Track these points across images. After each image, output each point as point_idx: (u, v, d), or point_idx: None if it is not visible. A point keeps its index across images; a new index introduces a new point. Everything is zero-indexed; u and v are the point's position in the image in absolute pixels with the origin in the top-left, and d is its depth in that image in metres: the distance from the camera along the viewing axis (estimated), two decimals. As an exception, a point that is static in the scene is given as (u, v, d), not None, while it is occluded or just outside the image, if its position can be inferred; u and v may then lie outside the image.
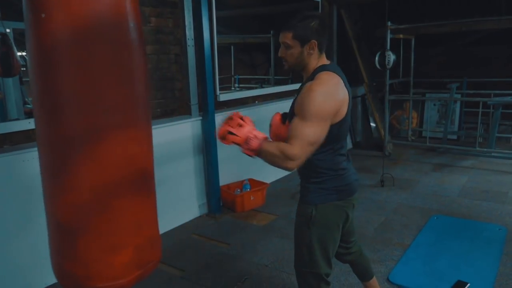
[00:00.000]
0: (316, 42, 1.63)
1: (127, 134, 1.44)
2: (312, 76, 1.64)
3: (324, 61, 1.71)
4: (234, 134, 1.56)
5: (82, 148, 1.38)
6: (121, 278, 1.49)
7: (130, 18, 1.40)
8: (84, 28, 1.30)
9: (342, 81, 1.64)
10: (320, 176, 1.71)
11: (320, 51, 1.68)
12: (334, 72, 1.63)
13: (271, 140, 1.65)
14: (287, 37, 1.64)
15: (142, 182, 1.53)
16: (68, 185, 1.41)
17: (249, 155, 1.59)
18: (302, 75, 1.75)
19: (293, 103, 1.68)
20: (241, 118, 1.60)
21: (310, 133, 1.52)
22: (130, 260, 1.50)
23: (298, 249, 1.80)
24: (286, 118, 1.72)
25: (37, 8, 1.30)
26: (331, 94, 1.57)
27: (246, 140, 1.55)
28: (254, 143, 1.54)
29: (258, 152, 1.55)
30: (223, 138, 1.59)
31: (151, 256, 1.60)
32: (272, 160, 1.54)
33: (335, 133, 1.64)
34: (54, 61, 1.32)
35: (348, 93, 1.66)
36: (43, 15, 1.28)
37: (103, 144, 1.39)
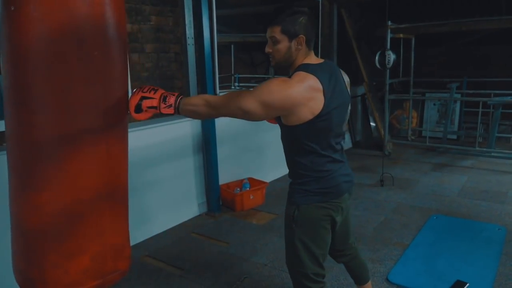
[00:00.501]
0: (305, 38, 1.60)
1: (99, 138, 1.40)
2: (292, 74, 1.60)
3: (312, 59, 1.66)
4: (149, 98, 1.53)
5: (50, 151, 1.34)
6: (77, 286, 1.44)
7: (108, 16, 1.34)
8: (53, 23, 1.25)
9: (322, 86, 1.55)
10: (302, 177, 1.69)
11: (308, 47, 1.64)
12: (313, 74, 1.55)
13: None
14: (275, 31, 1.60)
15: (111, 189, 1.47)
16: (32, 186, 1.37)
17: (169, 113, 1.56)
18: (289, 72, 1.69)
19: None
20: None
21: (242, 99, 1.49)
22: (87, 267, 1.43)
23: (286, 248, 1.81)
24: None
25: (7, 1, 1.26)
26: (288, 89, 1.50)
27: (163, 98, 1.54)
28: (171, 98, 1.54)
29: (178, 106, 1.55)
30: (139, 109, 1.52)
31: (114, 266, 1.53)
32: (194, 109, 1.55)
33: (302, 133, 1.59)
34: (21, 54, 1.28)
35: (325, 93, 1.55)
36: (12, 8, 1.25)
37: (72, 148, 1.34)
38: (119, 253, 1.55)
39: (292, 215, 1.70)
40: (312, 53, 1.68)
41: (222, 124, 3.90)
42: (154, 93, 1.55)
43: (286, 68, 1.70)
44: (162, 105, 1.54)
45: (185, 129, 3.66)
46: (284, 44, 1.61)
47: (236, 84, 5.29)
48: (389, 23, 5.42)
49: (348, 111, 1.84)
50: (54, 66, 1.29)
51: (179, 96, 1.56)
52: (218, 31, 3.89)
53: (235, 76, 5.33)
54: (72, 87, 1.32)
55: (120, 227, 1.56)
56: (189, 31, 3.64)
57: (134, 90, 1.56)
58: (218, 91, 3.97)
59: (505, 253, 2.92)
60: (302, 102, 1.52)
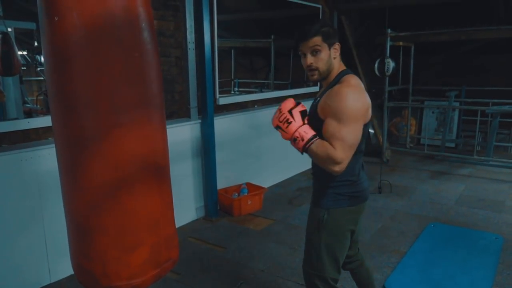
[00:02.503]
0: (339, 45, 1.68)
1: (141, 132, 1.46)
2: (337, 79, 1.66)
3: (344, 66, 1.74)
4: (283, 130, 1.60)
5: (96, 146, 1.39)
6: (138, 277, 1.50)
7: (142, 18, 1.42)
8: (96, 29, 1.32)
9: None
10: (337, 181, 1.72)
11: (340, 54, 1.72)
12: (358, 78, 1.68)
13: (313, 135, 1.59)
14: (316, 41, 1.64)
15: (157, 181, 1.54)
16: (82, 183, 1.43)
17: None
18: (321, 83, 1.77)
19: (315, 107, 1.68)
20: (291, 111, 1.60)
21: (349, 136, 1.55)
22: (146, 259, 1.50)
23: (307, 251, 1.83)
24: (305, 115, 1.67)
25: (51, 11, 1.33)
26: (360, 96, 1.60)
27: (293, 139, 1.59)
28: (300, 144, 1.57)
29: (305, 151, 1.59)
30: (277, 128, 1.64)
31: (167, 255, 1.60)
32: (319, 161, 1.58)
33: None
34: (67, 61, 1.34)
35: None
36: (56, 18, 1.31)
37: (117, 143, 1.41)
38: (170, 242, 1.62)
39: (322, 219, 1.73)
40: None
41: (221, 129, 3.91)
42: (288, 127, 1.60)
43: (324, 79, 1.73)
44: (292, 143, 1.61)
45: (184, 133, 3.67)
46: (325, 52, 1.66)
47: (236, 88, 5.30)
48: (389, 31, 5.44)
49: None
50: (99, 70, 1.35)
51: (308, 145, 1.57)
52: (218, 36, 3.91)
53: (235, 81, 5.35)
54: (116, 89, 1.38)
55: (170, 217, 1.64)
56: (190, 36, 3.65)
57: (275, 110, 1.64)
58: (218, 95, 3.98)
59: (502, 262, 2.93)
60: (369, 103, 1.64)
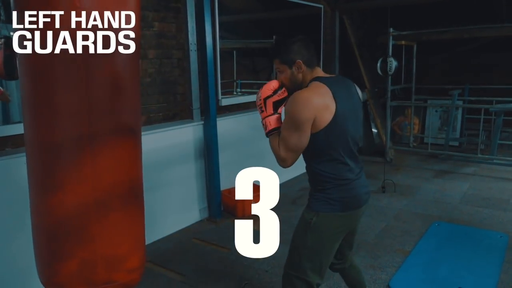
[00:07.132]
0: (302, 61, 1.70)
1: (116, 140, 1.45)
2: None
3: (320, 73, 1.74)
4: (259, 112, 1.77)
5: (69, 152, 1.39)
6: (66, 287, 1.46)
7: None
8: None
9: (331, 91, 1.63)
10: (324, 185, 1.71)
11: (310, 67, 1.72)
12: (323, 82, 1.66)
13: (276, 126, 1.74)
14: (276, 64, 1.76)
15: (106, 197, 1.46)
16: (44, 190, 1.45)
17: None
18: None
19: None
20: (266, 99, 1.73)
21: (290, 139, 1.65)
22: (75, 272, 1.45)
23: (291, 251, 1.81)
24: (281, 104, 1.77)
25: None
26: (306, 100, 1.60)
27: (262, 124, 1.77)
28: (265, 130, 1.76)
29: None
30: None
31: (107, 276, 1.51)
32: (272, 151, 1.76)
33: (323, 140, 1.64)
34: (45, 61, 1.33)
35: (336, 102, 1.62)
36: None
37: (90, 150, 1.40)
38: (116, 264, 1.52)
39: (309, 221, 1.71)
40: (317, 69, 1.75)
41: (224, 129, 3.91)
42: (262, 112, 1.76)
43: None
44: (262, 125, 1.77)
45: (187, 134, 3.67)
46: (287, 72, 1.74)
47: (238, 89, 5.30)
48: (391, 30, 5.43)
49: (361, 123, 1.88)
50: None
51: (269, 135, 1.75)
52: (220, 37, 3.91)
53: (237, 82, 5.34)
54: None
55: (120, 237, 1.53)
56: (192, 37, 3.66)
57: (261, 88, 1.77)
58: (220, 96, 3.98)
59: (507, 260, 2.91)
60: (324, 105, 1.61)
